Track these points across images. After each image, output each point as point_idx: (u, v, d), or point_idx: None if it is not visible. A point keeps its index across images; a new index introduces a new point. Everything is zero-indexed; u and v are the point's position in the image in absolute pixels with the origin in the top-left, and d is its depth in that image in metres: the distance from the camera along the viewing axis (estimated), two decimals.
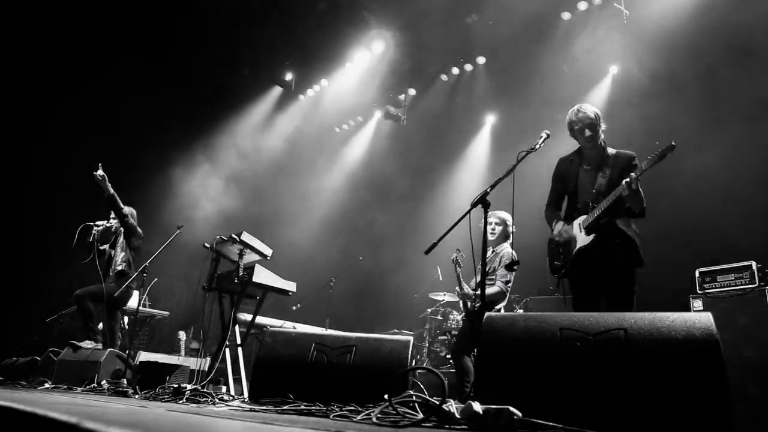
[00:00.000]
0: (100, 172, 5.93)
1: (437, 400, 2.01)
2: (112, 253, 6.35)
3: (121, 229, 6.31)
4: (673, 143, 3.48)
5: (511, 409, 1.83)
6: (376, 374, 2.79)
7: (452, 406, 1.97)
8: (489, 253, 5.09)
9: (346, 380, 2.87)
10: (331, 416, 2.31)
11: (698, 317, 1.95)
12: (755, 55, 5.89)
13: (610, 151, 4.01)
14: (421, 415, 2.10)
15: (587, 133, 3.93)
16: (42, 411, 1.05)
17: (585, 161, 4.08)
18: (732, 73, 6.03)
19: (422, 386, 2.83)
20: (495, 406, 1.88)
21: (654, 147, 3.54)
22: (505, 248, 5.17)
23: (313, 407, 2.62)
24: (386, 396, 2.24)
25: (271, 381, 3.08)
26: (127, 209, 6.35)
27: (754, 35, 5.83)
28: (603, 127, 4.02)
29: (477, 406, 1.90)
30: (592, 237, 3.82)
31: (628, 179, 3.57)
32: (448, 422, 1.94)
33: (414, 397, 2.22)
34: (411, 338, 3.08)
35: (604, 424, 1.78)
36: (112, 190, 6.02)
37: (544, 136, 3.76)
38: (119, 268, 6.21)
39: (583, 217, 3.92)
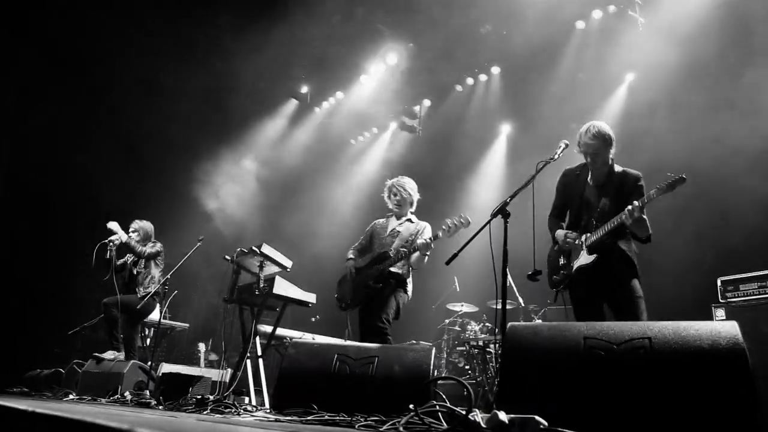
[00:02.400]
0: (112, 238, 6.11)
1: (463, 410, 2.02)
2: (138, 269, 6.46)
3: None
4: (683, 176, 3.44)
5: (537, 418, 1.84)
6: (398, 384, 2.80)
7: (478, 416, 1.98)
8: (404, 223, 5.03)
9: (369, 390, 2.89)
10: (356, 426, 2.33)
11: (723, 326, 1.95)
12: None
13: (617, 168, 3.95)
14: (446, 425, 2.12)
15: (597, 154, 3.87)
16: (92, 419, 1.09)
17: (591, 178, 4.04)
18: (753, 74, 5.98)
19: (444, 397, 2.85)
20: (520, 415, 1.89)
21: (664, 176, 3.51)
22: (422, 222, 5.05)
23: (338, 417, 2.64)
24: (411, 406, 2.26)
25: (295, 392, 3.10)
26: (140, 227, 6.49)
27: None
28: (613, 149, 3.94)
29: (503, 416, 1.91)
30: (594, 257, 3.80)
31: (630, 208, 3.52)
32: None
33: (439, 407, 2.24)
34: (432, 347, 3.10)
35: None
36: (124, 239, 6.18)
37: (563, 146, 3.76)
38: (150, 287, 6.33)
39: (586, 235, 3.91)
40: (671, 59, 6.80)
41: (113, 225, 6.32)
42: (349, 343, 4.38)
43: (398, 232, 4.98)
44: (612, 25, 7.60)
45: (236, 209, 8.15)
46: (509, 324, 2.43)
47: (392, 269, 4.75)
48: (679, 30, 6.63)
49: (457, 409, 2.05)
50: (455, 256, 3.37)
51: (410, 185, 5.11)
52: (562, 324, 2.32)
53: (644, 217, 3.60)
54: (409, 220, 5.07)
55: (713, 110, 6.34)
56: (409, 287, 4.89)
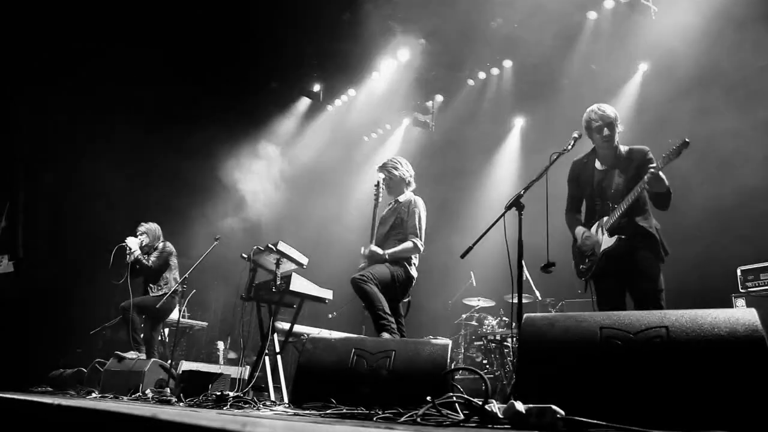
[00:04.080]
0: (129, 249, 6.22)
1: (480, 401, 2.03)
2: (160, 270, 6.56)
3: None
4: (686, 140, 3.45)
5: (554, 407, 1.85)
6: (416, 377, 2.82)
7: (494, 406, 1.99)
8: (391, 204, 4.78)
9: (387, 384, 2.91)
10: (374, 419, 2.35)
11: (742, 313, 1.93)
12: None
13: (623, 148, 3.99)
14: (462, 416, 2.13)
15: (606, 132, 3.91)
16: (116, 408, 1.11)
17: (599, 162, 4.06)
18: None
19: (462, 389, 2.86)
20: (538, 405, 1.90)
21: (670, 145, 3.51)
22: (409, 196, 4.73)
23: (356, 411, 2.66)
24: (428, 398, 2.27)
25: (313, 386, 3.13)
26: (147, 229, 6.58)
27: None
28: (620, 128, 3.99)
29: (520, 406, 1.92)
30: (615, 238, 3.79)
31: (651, 172, 3.54)
32: (491, 422, 1.96)
33: (456, 398, 2.25)
34: (449, 341, 3.11)
35: (647, 422, 1.78)
36: (136, 255, 6.30)
37: (576, 136, 3.77)
38: (164, 288, 6.42)
39: (604, 219, 3.91)
40: (685, 48, 6.73)
41: (131, 242, 6.42)
42: (366, 337, 4.39)
43: (384, 218, 4.79)
44: (624, 15, 7.52)
45: (252, 207, 8.20)
46: (525, 315, 2.44)
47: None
48: (691, 17, 6.55)
49: (474, 400, 2.07)
50: (470, 249, 3.38)
51: (393, 164, 4.83)
52: (578, 314, 2.32)
53: (662, 175, 3.60)
54: (397, 200, 4.79)
55: (730, 98, 6.26)
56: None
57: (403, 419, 2.19)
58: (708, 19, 6.38)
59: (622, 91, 8.14)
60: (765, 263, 4.72)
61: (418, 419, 2.08)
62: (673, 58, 7.01)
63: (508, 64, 9.12)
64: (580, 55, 8.03)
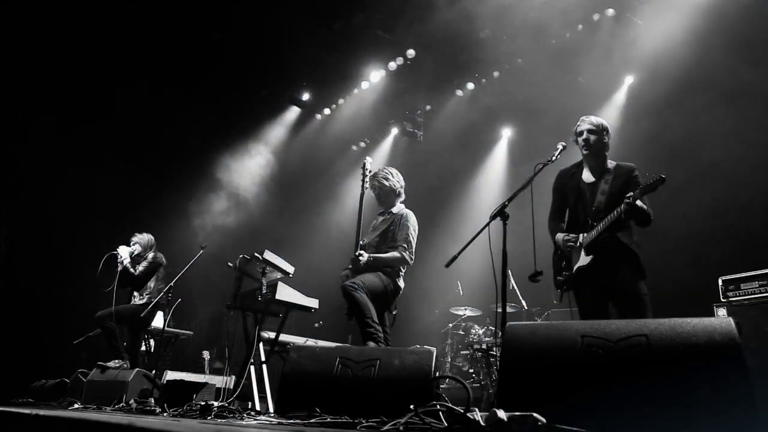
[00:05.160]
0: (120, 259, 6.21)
1: (462, 409, 2.04)
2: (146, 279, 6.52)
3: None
4: (663, 175, 3.50)
5: (536, 415, 1.86)
6: (401, 386, 2.82)
7: (477, 414, 2.00)
8: (384, 216, 4.79)
9: (372, 393, 2.91)
10: (358, 427, 2.35)
11: (719, 322, 1.96)
12: None
13: (610, 163, 4.03)
14: (446, 424, 2.14)
15: (585, 135, 3.95)
16: (95, 417, 1.11)
17: (586, 174, 4.09)
18: (753, 74, 5.98)
19: (447, 399, 2.86)
20: (519, 413, 1.91)
21: (651, 171, 3.58)
22: (401, 209, 4.74)
23: (340, 419, 2.66)
24: (412, 406, 2.28)
25: (298, 396, 3.12)
26: (140, 239, 6.55)
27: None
28: (607, 139, 4.03)
29: (501, 414, 1.92)
30: (590, 258, 3.82)
31: (627, 203, 3.58)
32: (474, 430, 1.97)
33: (439, 407, 2.25)
34: (434, 349, 3.12)
35: (627, 428, 1.79)
36: (125, 263, 6.27)
37: (561, 147, 3.82)
38: (146, 298, 6.38)
39: (583, 235, 3.93)
40: (671, 61, 6.83)
41: (123, 250, 6.39)
42: (351, 346, 4.38)
43: (375, 226, 4.81)
44: (611, 28, 7.63)
45: (240, 216, 8.20)
46: (507, 324, 2.45)
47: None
48: (676, 30, 6.66)
49: (456, 408, 2.07)
50: (454, 258, 3.40)
51: (384, 174, 4.83)
52: (560, 323, 2.34)
53: (640, 206, 3.63)
54: (390, 211, 4.80)
55: (714, 109, 6.35)
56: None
57: (386, 428, 2.19)
58: (693, 30, 6.49)
59: (609, 103, 8.24)
60: (746, 273, 4.77)
61: (401, 428, 2.08)
62: (658, 70, 7.12)
63: (496, 74, 9.21)
64: (568, 67, 8.12)
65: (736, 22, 6.16)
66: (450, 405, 2.13)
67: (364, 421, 2.55)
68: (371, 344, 3.87)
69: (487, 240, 3.51)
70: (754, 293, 4.66)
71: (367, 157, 4.86)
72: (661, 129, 6.91)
